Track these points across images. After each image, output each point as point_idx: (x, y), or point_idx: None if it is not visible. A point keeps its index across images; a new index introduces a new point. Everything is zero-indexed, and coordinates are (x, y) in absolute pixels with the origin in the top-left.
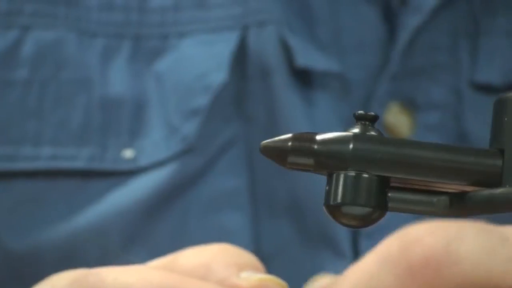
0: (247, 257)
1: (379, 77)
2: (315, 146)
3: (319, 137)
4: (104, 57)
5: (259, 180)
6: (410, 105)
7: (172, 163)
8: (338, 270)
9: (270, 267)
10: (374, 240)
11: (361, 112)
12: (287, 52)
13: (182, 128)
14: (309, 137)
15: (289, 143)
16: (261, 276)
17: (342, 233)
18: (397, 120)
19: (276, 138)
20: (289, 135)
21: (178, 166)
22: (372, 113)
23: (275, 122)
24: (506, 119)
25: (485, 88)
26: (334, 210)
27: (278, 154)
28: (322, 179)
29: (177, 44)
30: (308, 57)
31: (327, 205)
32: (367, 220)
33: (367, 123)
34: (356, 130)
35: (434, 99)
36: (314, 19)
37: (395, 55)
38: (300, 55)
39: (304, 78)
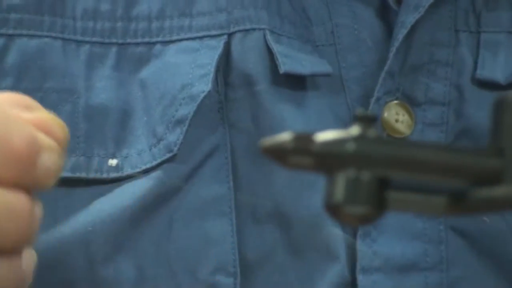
0: (33, 102)
1: (376, 75)
2: (315, 146)
3: (319, 137)
4: (89, 66)
5: (243, 188)
6: (409, 102)
7: (157, 172)
8: (330, 274)
9: (256, 274)
10: (372, 240)
11: (361, 112)
12: (272, 59)
13: (166, 137)
14: (309, 137)
15: (290, 143)
16: (42, 112)
17: (334, 236)
18: (396, 117)
19: (276, 138)
20: (289, 135)
21: (162, 174)
22: (372, 113)
23: (260, 130)
24: (506, 119)
25: (487, 85)
26: (334, 209)
27: (279, 154)
28: (306, 184)
29: (162, 52)
30: (294, 62)
31: (327, 204)
32: (367, 219)
33: (367, 123)
34: (356, 130)
35: (434, 96)
36: (309, 20)
37: (392, 52)
38: (285, 62)
39: (294, 80)
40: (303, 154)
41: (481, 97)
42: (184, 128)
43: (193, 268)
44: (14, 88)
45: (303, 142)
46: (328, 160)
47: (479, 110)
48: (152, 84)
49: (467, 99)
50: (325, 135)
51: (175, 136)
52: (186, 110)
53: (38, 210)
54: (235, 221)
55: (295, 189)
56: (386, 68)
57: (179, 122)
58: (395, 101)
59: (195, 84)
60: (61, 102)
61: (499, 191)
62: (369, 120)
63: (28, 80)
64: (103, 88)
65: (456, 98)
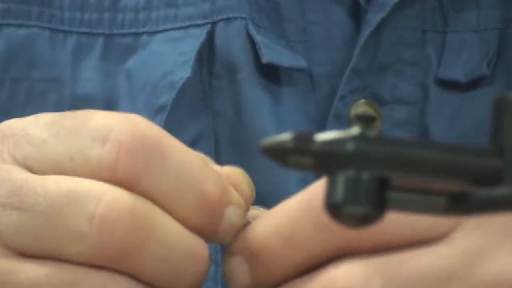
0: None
1: (343, 73)
2: (315, 146)
3: (319, 137)
4: (76, 56)
5: None
6: (376, 101)
7: None
8: None
9: None
10: None
11: (361, 112)
12: (253, 48)
13: None
14: (309, 137)
15: (289, 143)
16: (233, 168)
17: None
18: None
19: (276, 138)
20: (289, 135)
21: None
22: (372, 114)
23: (242, 118)
24: (506, 119)
25: (449, 84)
26: (334, 210)
27: (278, 154)
28: (286, 172)
29: (148, 42)
30: (274, 53)
31: (327, 205)
32: (367, 220)
33: (367, 123)
34: (356, 130)
35: (401, 95)
36: (282, 16)
37: (357, 50)
38: (266, 52)
39: (271, 74)
40: (303, 154)
41: (443, 98)
42: (165, 116)
43: None
44: (1, 76)
45: (303, 142)
46: (328, 160)
47: (440, 111)
48: (136, 74)
49: (430, 99)
50: (325, 135)
51: (158, 124)
52: (167, 97)
53: (211, 262)
54: None
55: (275, 176)
56: (351, 65)
57: (160, 109)
58: (363, 100)
59: (175, 72)
60: (47, 91)
61: (499, 191)
62: (369, 120)
63: (15, 69)
64: (89, 78)
65: (421, 98)
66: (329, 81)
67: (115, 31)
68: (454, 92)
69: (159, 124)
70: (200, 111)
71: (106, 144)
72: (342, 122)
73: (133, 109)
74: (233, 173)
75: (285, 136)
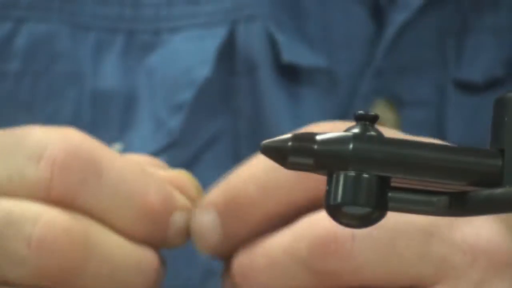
0: (165, 165)
1: (364, 73)
2: (315, 146)
3: (319, 137)
4: (96, 51)
5: None
6: (396, 102)
7: (160, 157)
8: None
9: None
10: None
11: (361, 112)
12: (274, 47)
13: (169, 122)
14: (309, 137)
15: (289, 143)
16: (179, 171)
17: None
18: (383, 116)
19: (276, 138)
20: (289, 135)
21: (165, 160)
22: (372, 113)
23: (261, 117)
24: (506, 119)
25: (468, 86)
26: (334, 210)
27: (278, 154)
28: None
29: (169, 39)
30: (295, 52)
31: (327, 205)
32: (367, 220)
33: (367, 123)
34: (356, 130)
35: (420, 96)
36: (303, 15)
37: (380, 51)
38: (287, 51)
39: (291, 73)
40: (303, 154)
41: (460, 99)
42: (186, 113)
43: (192, 251)
44: (22, 70)
45: (303, 142)
46: (328, 160)
47: (458, 112)
48: (157, 71)
49: (448, 101)
50: (325, 135)
51: (176, 121)
52: (187, 94)
53: (164, 268)
54: None
55: None
56: (374, 66)
57: (181, 106)
58: (382, 100)
59: (196, 69)
60: (67, 86)
61: (499, 191)
62: (369, 120)
63: (36, 63)
64: (109, 74)
65: (439, 100)
66: (349, 81)
67: (136, 27)
68: (472, 94)
69: (180, 121)
70: (220, 109)
71: (40, 162)
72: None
73: (152, 105)
74: (179, 177)
75: (285, 136)
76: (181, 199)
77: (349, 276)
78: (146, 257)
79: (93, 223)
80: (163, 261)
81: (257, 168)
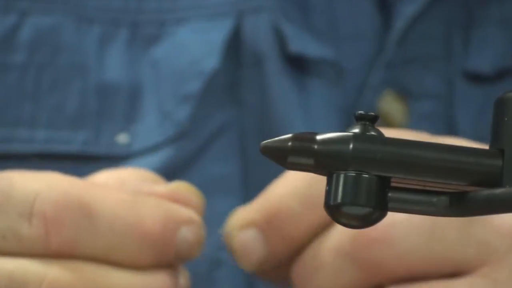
0: (159, 177)
1: (373, 65)
2: (315, 146)
3: (319, 137)
4: (101, 43)
5: (251, 166)
6: (404, 93)
7: (166, 148)
8: None
9: None
10: None
11: (361, 112)
12: (280, 39)
13: (175, 113)
14: (309, 137)
15: (289, 143)
16: (177, 183)
17: None
18: (391, 108)
19: (276, 138)
20: (289, 135)
21: (171, 151)
22: (372, 113)
23: (268, 109)
24: (506, 119)
25: (475, 78)
26: (334, 210)
27: (278, 154)
28: None
29: (174, 31)
30: (302, 43)
31: (327, 205)
32: (367, 220)
33: (367, 123)
34: (356, 130)
35: (427, 88)
36: (310, 7)
37: (390, 43)
38: (294, 42)
39: (298, 65)
40: (303, 154)
41: (469, 91)
42: (193, 104)
43: None
44: (27, 62)
45: (303, 142)
46: (328, 160)
47: (467, 104)
48: (162, 62)
49: (456, 93)
50: (325, 135)
51: (183, 112)
52: (194, 85)
53: (184, 281)
54: (244, 199)
55: None
56: (383, 58)
57: (187, 97)
58: (390, 92)
59: (203, 60)
60: (72, 78)
61: (499, 191)
62: (369, 120)
63: (40, 55)
64: (114, 66)
65: (447, 91)
66: (357, 73)
67: (140, 19)
68: (480, 85)
69: (187, 112)
70: (227, 101)
71: (32, 220)
72: None
73: (158, 96)
74: (177, 189)
75: (285, 136)
76: (185, 213)
77: (394, 264)
78: (156, 283)
79: (98, 267)
80: (184, 275)
81: (296, 182)
